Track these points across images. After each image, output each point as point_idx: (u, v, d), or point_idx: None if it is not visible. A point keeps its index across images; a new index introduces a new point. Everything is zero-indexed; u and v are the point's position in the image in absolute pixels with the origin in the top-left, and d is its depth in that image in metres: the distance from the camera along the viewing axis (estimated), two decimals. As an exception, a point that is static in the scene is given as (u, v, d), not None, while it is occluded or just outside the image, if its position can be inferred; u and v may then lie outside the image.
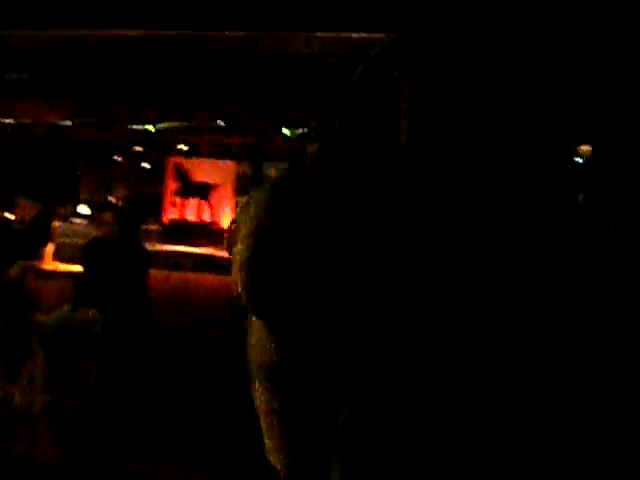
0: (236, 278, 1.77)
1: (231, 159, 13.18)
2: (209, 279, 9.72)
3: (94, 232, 8.21)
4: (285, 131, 10.62)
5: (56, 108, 12.16)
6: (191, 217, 13.40)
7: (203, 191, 13.15)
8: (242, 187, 13.17)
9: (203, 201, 13.23)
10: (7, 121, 12.78)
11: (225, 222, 13.26)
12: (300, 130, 10.47)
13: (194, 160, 13.29)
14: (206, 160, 13.24)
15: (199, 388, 7.74)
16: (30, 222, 8.38)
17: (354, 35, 8.63)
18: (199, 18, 9.30)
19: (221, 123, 11.49)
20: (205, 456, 6.66)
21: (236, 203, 13.22)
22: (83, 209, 13.33)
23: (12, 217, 8.70)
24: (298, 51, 9.33)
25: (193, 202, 13.31)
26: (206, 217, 13.32)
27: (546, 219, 1.94)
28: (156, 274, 8.27)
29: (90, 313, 7.33)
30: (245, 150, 12.62)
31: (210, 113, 11.33)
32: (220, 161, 13.21)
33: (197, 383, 7.86)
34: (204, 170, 13.21)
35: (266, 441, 1.79)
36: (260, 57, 9.86)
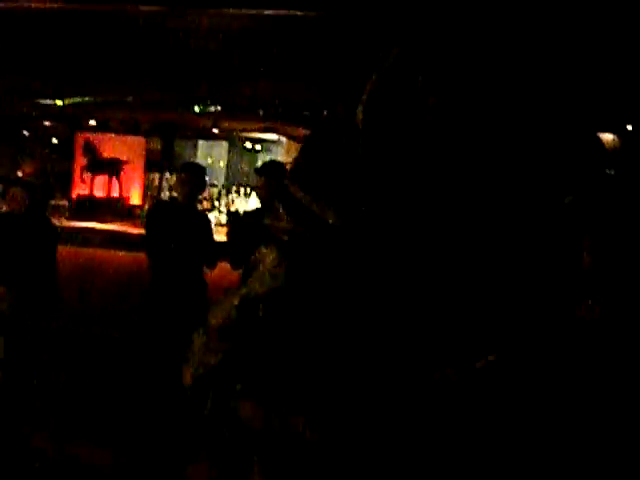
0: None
1: (141, 135, 13.10)
2: (118, 256, 9.67)
3: (2, 207, 8.09)
4: (195, 108, 10.56)
5: (-39, 81, 11.95)
6: (100, 193, 13.28)
7: (112, 167, 13.04)
8: (152, 163, 13.10)
9: (112, 177, 13.12)
10: None
11: (135, 198, 13.20)
12: (212, 107, 10.43)
13: (103, 136, 13.16)
14: (115, 136, 13.13)
15: (107, 365, 7.72)
16: None
17: (263, 12, 8.61)
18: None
19: (131, 99, 11.38)
20: (112, 431, 6.66)
21: (145, 179, 13.16)
22: (-10, 184, 13.13)
23: None
24: (208, 27, 9.28)
25: (102, 178, 13.19)
26: (115, 193, 13.21)
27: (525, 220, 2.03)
28: (64, 250, 8.20)
29: (-3, 290, 7.24)
30: (155, 126, 12.55)
31: (120, 88, 11.21)
32: (130, 137, 13.12)
33: (105, 360, 7.83)
34: (113, 146, 13.09)
35: None
36: (171, 33, 9.78)
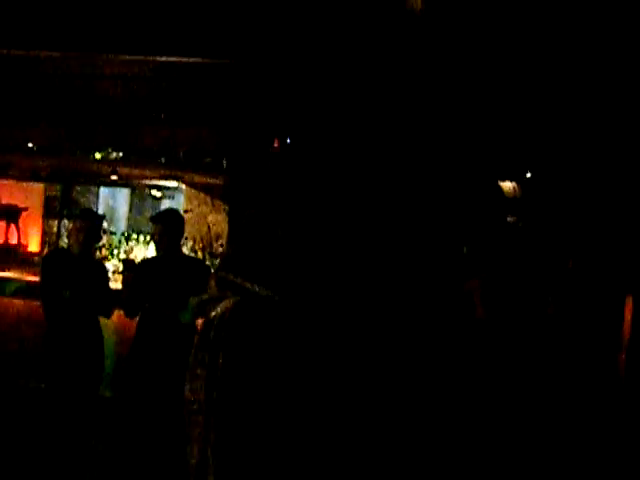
0: None
1: (40, 181, 12.87)
2: (15, 303, 9.50)
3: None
4: (96, 154, 10.42)
5: None
6: (-2, 240, 13.03)
7: (10, 214, 12.81)
8: (51, 210, 12.89)
9: (11, 224, 12.88)
10: None
11: (33, 246, 12.96)
12: (113, 154, 10.31)
13: (1, 182, 12.92)
14: (14, 182, 12.89)
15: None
16: None
17: (163, 59, 8.57)
18: (9, 38, 9.08)
19: (30, 144, 11.20)
20: None
21: (44, 226, 12.94)
22: None
23: None
24: (109, 73, 9.20)
25: (0, 225, 12.94)
26: (13, 240, 12.98)
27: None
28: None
29: None
30: (55, 173, 12.34)
31: (19, 133, 11.04)
32: (28, 183, 12.89)
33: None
34: (11, 192, 12.87)
35: None
36: (72, 78, 9.69)
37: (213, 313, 2.75)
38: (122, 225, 13.12)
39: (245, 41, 8.63)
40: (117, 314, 7.57)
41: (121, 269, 8.29)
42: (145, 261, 7.72)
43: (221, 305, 2.67)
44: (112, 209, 13.19)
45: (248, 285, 2.66)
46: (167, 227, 7.15)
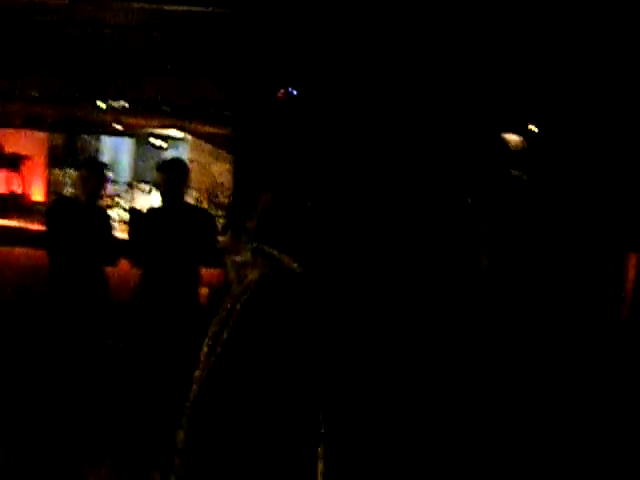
0: None
1: (43, 130, 12.85)
2: (19, 252, 9.50)
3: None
4: (99, 103, 10.39)
5: None
6: (1, 189, 13.02)
7: (14, 162, 12.80)
8: (55, 159, 12.88)
9: (14, 172, 12.87)
10: None
11: (37, 195, 12.97)
12: (117, 103, 10.28)
13: (4, 130, 12.89)
14: (17, 130, 12.86)
15: (6, 363, 7.61)
16: None
17: (171, 7, 8.51)
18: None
19: (34, 92, 11.17)
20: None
21: (48, 175, 12.93)
22: None
23: None
24: (114, 22, 9.14)
25: (3, 174, 12.93)
26: (17, 189, 12.97)
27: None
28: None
29: None
30: (59, 121, 12.32)
31: (22, 81, 11.00)
32: (32, 132, 12.87)
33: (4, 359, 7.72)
34: (15, 141, 12.85)
35: None
36: (75, 27, 9.62)
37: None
38: (125, 174, 13.12)
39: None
40: (121, 262, 7.59)
41: (126, 218, 8.30)
42: (151, 210, 7.71)
43: (249, 276, 2.50)
44: (116, 158, 13.18)
45: (285, 259, 2.51)
46: (173, 176, 7.14)
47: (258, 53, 9.25)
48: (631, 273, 7.77)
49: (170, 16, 8.67)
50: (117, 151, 13.29)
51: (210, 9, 8.57)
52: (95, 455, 6.56)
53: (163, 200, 7.29)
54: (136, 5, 8.51)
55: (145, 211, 7.60)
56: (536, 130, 8.75)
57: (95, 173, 7.43)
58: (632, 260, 7.80)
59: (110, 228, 7.65)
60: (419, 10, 8.15)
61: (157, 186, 7.96)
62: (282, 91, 9.41)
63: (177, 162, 7.57)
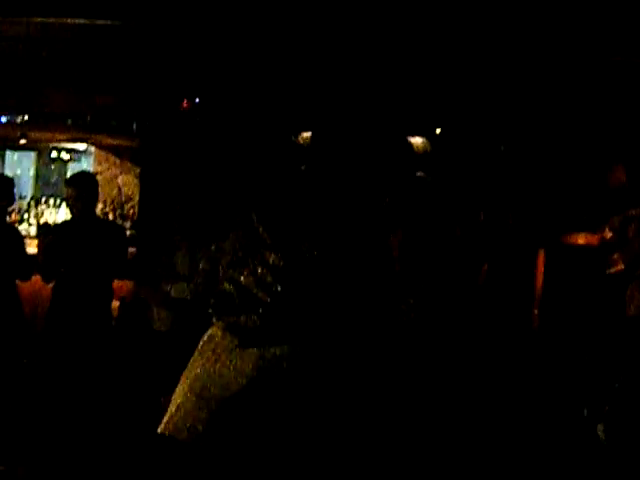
0: None
1: None
2: None
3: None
4: (2, 118, 10.25)
5: None
6: None
7: None
8: None
9: None
10: None
11: None
12: (19, 117, 10.15)
13: None
14: None
15: None
16: None
17: (73, 21, 8.46)
18: None
19: None
20: None
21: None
22: None
23: None
24: (15, 35, 9.04)
25: None
26: None
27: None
28: None
29: None
30: None
31: None
32: None
33: None
34: None
35: None
36: None
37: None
38: (29, 189, 12.96)
39: (151, 2, 8.56)
40: (33, 278, 7.51)
41: (33, 233, 8.22)
42: (60, 224, 7.65)
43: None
44: (19, 173, 13.02)
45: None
46: (82, 190, 7.10)
47: (161, 64, 9.24)
48: (540, 268, 7.93)
49: (72, 29, 8.60)
50: (21, 165, 13.12)
51: (113, 21, 8.54)
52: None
53: (72, 214, 7.25)
54: (37, 19, 8.43)
55: (54, 225, 7.54)
56: (440, 132, 8.90)
57: (1, 189, 7.34)
58: (541, 256, 7.97)
59: (22, 243, 7.56)
60: (322, 14, 8.23)
61: (66, 200, 7.90)
62: (186, 101, 9.42)
63: (86, 176, 7.53)
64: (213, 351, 2.41)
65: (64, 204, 10.30)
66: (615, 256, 5.15)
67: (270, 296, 2.30)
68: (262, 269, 2.33)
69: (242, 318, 2.32)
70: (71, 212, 7.26)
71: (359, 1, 8.07)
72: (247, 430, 2.28)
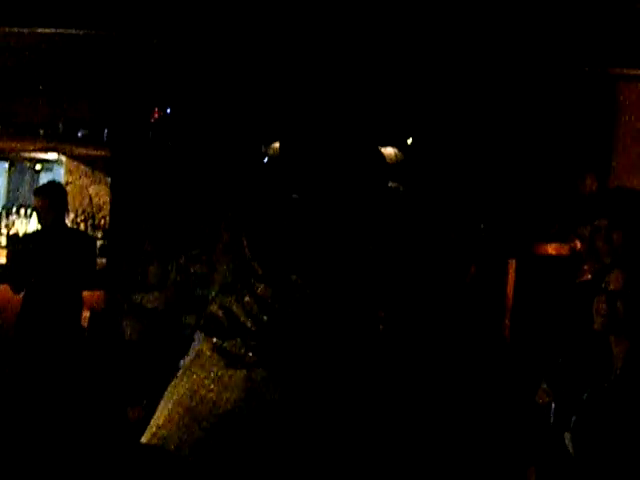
0: None
1: None
2: None
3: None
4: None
5: None
6: None
7: None
8: None
9: None
10: None
11: None
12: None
13: None
14: None
15: None
16: None
17: (43, 30, 8.43)
18: None
19: None
20: None
21: None
22: None
23: None
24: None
25: None
26: None
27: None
28: None
29: None
30: None
31: None
32: None
33: None
34: None
35: None
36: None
37: None
38: (1, 200, 12.88)
39: (122, 12, 8.54)
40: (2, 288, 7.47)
41: (3, 243, 8.18)
42: (30, 234, 7.62)
43: None
44: (-12, 184, 12.94)
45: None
46: (51, 200, 7.08)
47: (132, 74, 9.22)
48: (511, 278, 7.95)
49: (43, 38, 8.57)
50: (-10, 176, 13.04)
51: (85, 31, 8.51)
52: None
53: (41, 224, 7.22)
54: (7, 28, 8.40)
55: (24, 235, 7.52)
56: (411, 142, 8.91)
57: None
58: (512, 266, 7.99)
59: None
60: (290, 26, 8.24)
61: (35, 210, 7.88)
62: (157, 111, 9.40)
63: (55, 185, 7.52)
64: (202, 367, 2.42)
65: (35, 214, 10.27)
66: (585, 266, 5.16)
67: (256, 325, 2.31)
68: (250, 298, 2.35)
69: (227, 343, 2.33)
70: (39, 222, 7.24)
71: (326, 13, 8.08)
72: (237, 447, 2.28)
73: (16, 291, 7.21)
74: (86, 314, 7.73)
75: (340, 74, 8.43)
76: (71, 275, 7.08)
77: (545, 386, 3.99)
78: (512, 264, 8.00)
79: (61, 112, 9.70)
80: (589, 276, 4.22)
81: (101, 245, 9.09)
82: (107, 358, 7.30)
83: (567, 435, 3.55)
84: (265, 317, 2.33)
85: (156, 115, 9.40)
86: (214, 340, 2.38)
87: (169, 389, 2.54)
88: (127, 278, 7.14)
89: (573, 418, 3.54)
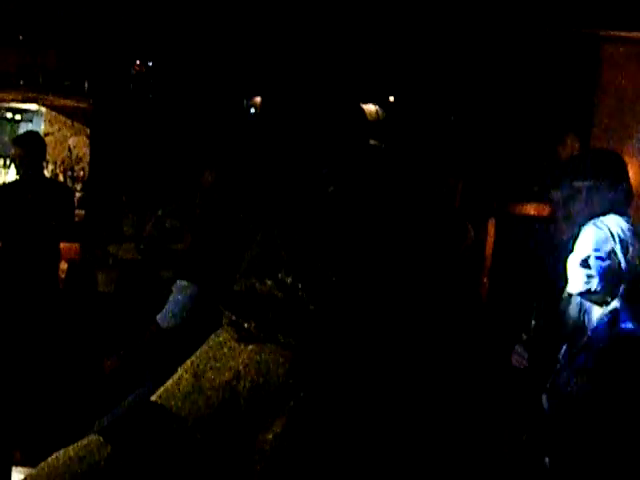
0: None
1: None
2: None
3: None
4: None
5: None
6: None
7: None
8: None
9: None
10: None
11: None
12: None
13: None
14: None
15: None
16: None
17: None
18: None
19: None
20: None
21: None
22: None
23: None
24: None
25: None
26: None
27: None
28: None
29: None
30: None
31: None
32: None
33: None
34: None
35: None
36: None
37: None
38: (-21, 150, 12.80)
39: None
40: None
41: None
42: (7, 185, 7.59)
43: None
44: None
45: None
46: (29, 150, 7.03)
47: (114, 25, 9.14)
48: (490, 238, 7.96)
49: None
50: (-31, 126, 12.93)
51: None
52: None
53: (19, 174, 7.18)
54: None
55: (1, 186, 7.48)
56: (393, 100, 8.88)
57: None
58: (491, 225, 8.00)
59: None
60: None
61: (12, 160, 7.83)
62: (139, 63, 9.34)
63: (33, 135, 7.47)
64: (216, 335, 2.42)
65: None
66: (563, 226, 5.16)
67: (272, 312, 2.30)
68: (274, 285, 2.33)
69: (241, 320, 2.32)
70: (17, 172, 7.19)
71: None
72: (236, 420, 2.28)
73: (-8, 242, 7.19)
74: (64, 266, 7.70)
75: (324, 31, 8.38)
76: (48, 226, 7.06)
77: (520, 349, 3.99)
78: (491, 223, 8.01)
79: (42, 62, 9.61)
80: (565, 236, 4.22)
81: (80, 197, 9.05)
82: (83, 309, 7.29)
83: (543, 397, 3.56)
84: (287, 305, 2.32)
85: (137, 67, 9.34)
86: (229, 315, 2.37)
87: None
88: (104, 230, 7.12)
89: (549, 380, 3.55)
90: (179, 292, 4.74)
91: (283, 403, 2.19)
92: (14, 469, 5.41)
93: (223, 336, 2.34)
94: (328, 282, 2.27)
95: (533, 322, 3.99)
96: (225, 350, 2.29)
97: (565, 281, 3.63)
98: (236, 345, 2.28)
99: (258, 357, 2.23)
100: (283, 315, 2.25)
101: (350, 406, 2.30)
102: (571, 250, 3.59)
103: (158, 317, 4.75)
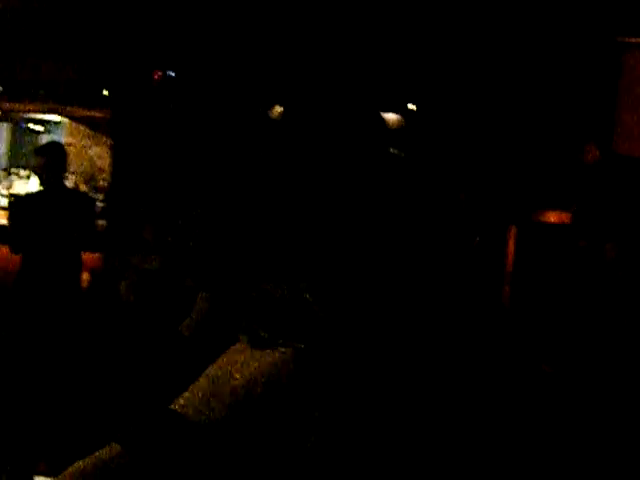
0: None
1: None
2: None
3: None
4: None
5: None
6: None
7: None
8: None
9: None
10: None
11: None
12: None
13: None
14: None
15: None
16: None
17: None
18: None
19: None
20: None
21: None
22: None
23: None
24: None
25: None
26: None
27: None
28: None
29: None
30: None
31: None
32: None
33: None
34: None
35: None
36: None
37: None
38: (1, 161, 12.88)
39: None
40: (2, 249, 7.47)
41: (4, 204, 8.17)
42: (30, 195, 7.61)
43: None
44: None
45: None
46: (51, 160, 7.05)
47: (135, 36, 9.18)
48: (511, 246, 7.94)
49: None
50: (-8, 137, 13.03)
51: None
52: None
53: (41, 185, 7.20)
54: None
55: (24, 196, 7.50)
56: (414, 108, 8.87)
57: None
58: (512, 233, 7.98)
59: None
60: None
61: (34, 170, 7.86)
62: (159, 73, 9.36)
63: (54, 145, 7.48)
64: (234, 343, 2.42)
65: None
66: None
67: (285, 317, 2.31)
68: (286, 290, 2.33)
69: (255, 326, 2.32)
70: (40, 182, 7.21)
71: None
72: (248, 426, 2.27)
73: (15, 251, 7.20)
74: (86, 276, 7.72)
75: (344, 39, 8.39)
76: (70, 236, 7.07)
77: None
78: (513, 231, 7.99)
79: (63, 73, 9.66)
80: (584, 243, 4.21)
81: (101, 207, 9.08)
82: (105, 319, 7.30)
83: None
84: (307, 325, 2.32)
85: (158, 77, 9.37)
86: (247, 323, 2.37)
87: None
88: (126, 240, 7.14)
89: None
90: (203, 302, 4.76)
91: (296, 408, 2.19)
92: (36, 478, 5.42)
93: (239, 343, 2.34)
94: (337, 287, 2.27)
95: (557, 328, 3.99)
96: (241, 356, 2.29)
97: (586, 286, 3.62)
98: (251, 351, 2.29)
99: (272, 362, 2.23)
100: (294, 319, 2.25)
101: (360, 412, 2.30)
102: (592, 256, 3.58)
103: (182, 326, 4.77)
